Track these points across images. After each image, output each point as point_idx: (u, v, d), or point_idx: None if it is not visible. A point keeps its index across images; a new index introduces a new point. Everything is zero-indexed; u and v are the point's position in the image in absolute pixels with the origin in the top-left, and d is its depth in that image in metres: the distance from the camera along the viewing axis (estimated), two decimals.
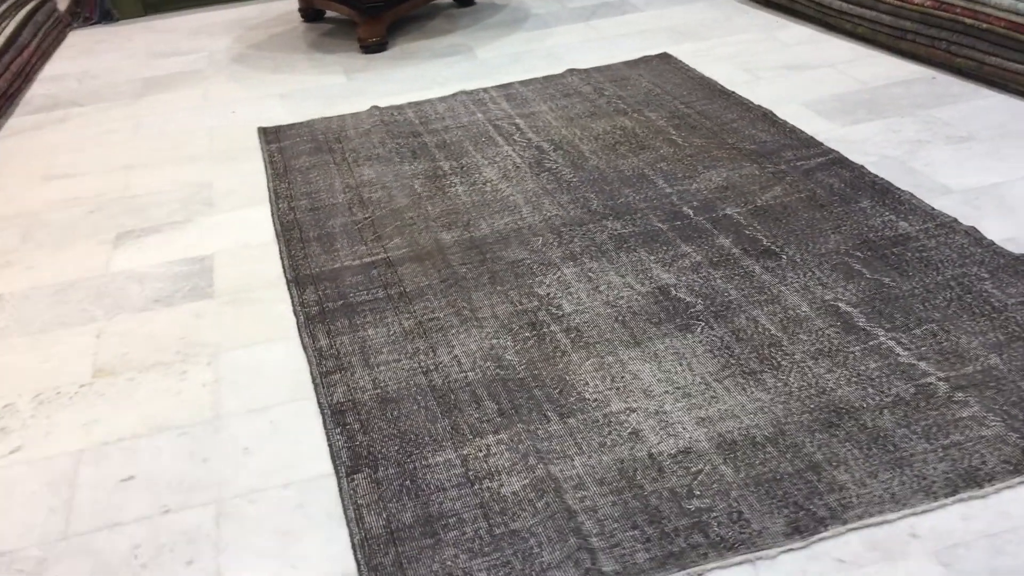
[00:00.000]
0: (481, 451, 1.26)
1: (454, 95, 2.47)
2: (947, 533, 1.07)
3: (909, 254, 1.57)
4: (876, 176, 1.82)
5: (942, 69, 2.29)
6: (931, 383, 1.28)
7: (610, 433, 1.26)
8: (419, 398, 1.37)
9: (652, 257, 1.64)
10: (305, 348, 1.52)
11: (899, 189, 1.77)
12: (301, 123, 2.40)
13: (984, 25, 2.12)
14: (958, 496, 1.11)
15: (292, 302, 1.64)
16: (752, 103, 2.21)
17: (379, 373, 1.43)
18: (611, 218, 1.79)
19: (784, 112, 2.16)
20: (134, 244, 1.89)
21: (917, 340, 1.36)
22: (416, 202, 1.93)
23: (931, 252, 1.57)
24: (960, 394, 1.25)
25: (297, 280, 1.70)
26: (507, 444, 1.26)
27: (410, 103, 2.45)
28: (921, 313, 1.42)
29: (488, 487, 1.20)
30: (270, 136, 2.35)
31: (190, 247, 1.86)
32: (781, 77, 2.36)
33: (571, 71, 2.55)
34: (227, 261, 1.80)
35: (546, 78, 2.52)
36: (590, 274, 1.62)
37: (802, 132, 2.04)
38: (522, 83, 2.51)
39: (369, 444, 1.29)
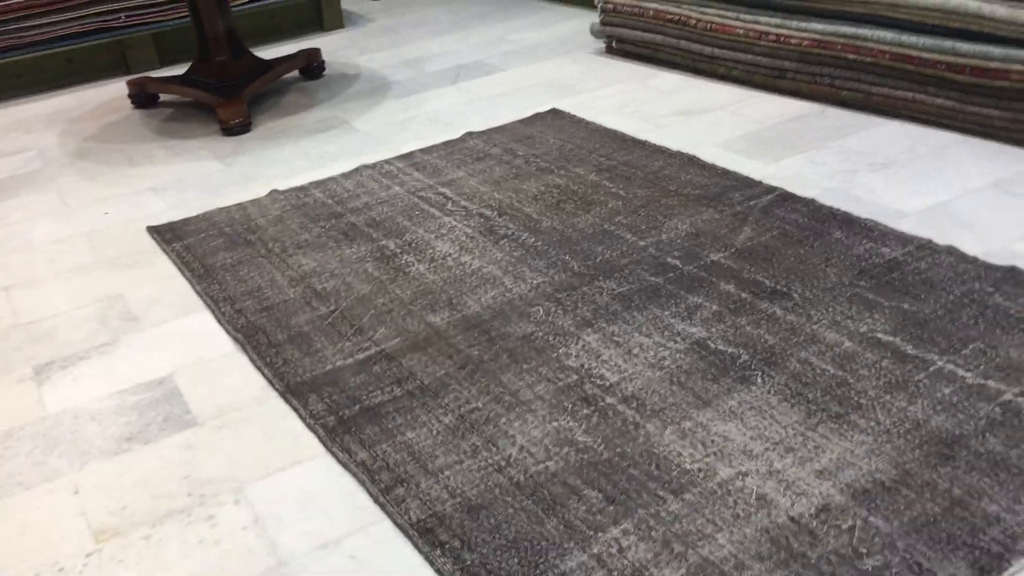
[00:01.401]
0: (612, 547, 1.15)
1: (356, 170, 2.33)
2: None
3: (909, 278, 1.62)
4: (831, 207, 1.88)
5: (827, 103, 2.42)
6: (1011, 400, 1.31)
7: (736, 503, 1.19)
8: (509, 500, 1.24)
9: (667, 312, 1.60)
10: (344, 465, 1.34)
11: (860, 217, 1.83)
12: (196, 217, 2.17)
13: (869, 59, 2.27)
14: None
15: (300, 415, 1.45)
16: (671, 149, 2.24)
17: (448, 479, 1.28)
18: (601, 278, 1.72)
19: (705, 155, 2.19)
20: (63, 377, 1.61)
21: (971, 360, 1.40)
22: (380, 287, 1.78)
23: (928, 273, 1.62)
24: None
25: (292, 390, 1.51)
26: (636, 534, 1.16)
27: (312, 183, 2.28)
28: (958, 333, 1.46)
29: None
30: (166, 235, 2.10)
31: (136, 371, 1.61)
32: (680, 123, 2.41)
33: (469, 134, 2.47)
34: (192, 380, 1.57)
35: (446, 144, 2.43)
36: (615, 338, 1.54)
37: (736, 173, 2.08)
38: (423, 151, 2.41)
39: (483, 562, 1.15)
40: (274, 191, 2.25)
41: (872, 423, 1.30)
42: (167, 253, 2.02)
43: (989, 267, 1.62)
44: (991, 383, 1.35)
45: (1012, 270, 1.60)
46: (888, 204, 1.88)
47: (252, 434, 1.42)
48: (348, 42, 3.52)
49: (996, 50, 2.03)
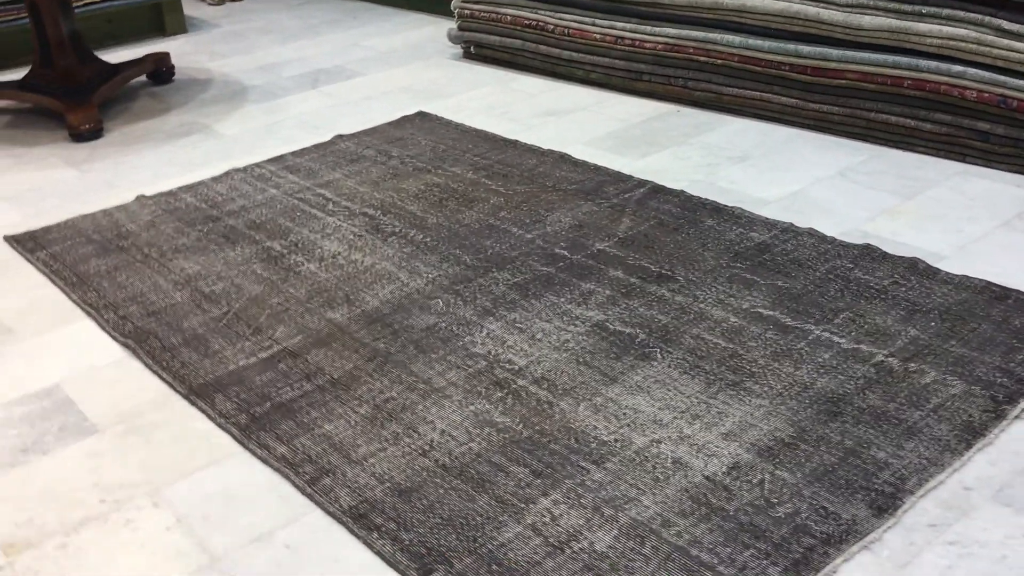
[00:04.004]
0: (545, 516, 1.20)
1: (227, 174, 2.28)
2: (989, 479, 1.22)
3: (779, 258, 1.75)
4: (700, 197, 2.01)
5: (682, 103, 2.56)
6: (883, 360, 1.45)
7: (655, 468, 1.27)
8: (438, 481, 1.27)
9: (563, 299, 1.66)
10: (265, 461, 1.32)
11: (727, 206, 1.96)
12: (59, 225, 2.07)
13: (719, 61, 2.42)
14: (973, 448, 1.27)
15: (209, 416, 1.42)
16: (542, 148, 2.32)
17: (373, 467, 1.30)
18: (495, 270, 1.77)
19: (576, 153, 2.28)
20: None
21: (843, 328, 1.53)
22: (272, 287, 1.77)
23: (795, 253, 1.76)
24: (912, 365, 1.43)
25: (196, 392, 1.48)
26: (566, 503, 1.21)
27: (181, 187, 2.22)
28: (829, 304, 1.60)
29: (581, 548, 1.15)
30: (27, 244, 2.00)
31: (20, 382, 1.53)
32: (548, 123, 2.49)
33: (339, 137, 2.47)
34: (83, 389, 1.51)
35: (317, 147, 2.42)
36: (518, 325, 1.60)
37: (607, 168, 2.18)
38: (294, 154, 2.39)
39: (421, 540, 1.17)
40: (141, 196, 2.18)
41: (766, 388, 1.40)
42: (31, 263, 1.93)
43: (846, 246, 1.78)
44: (863, 347, 1.48)
45: (867, 247, 1.76)
46: (750, 193, 2.02)
47: (161, 437, 1.38)
48: (195, 47, 3.43)
49: (834, 52, 2.21)
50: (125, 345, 1.61)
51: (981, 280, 1.63)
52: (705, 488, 1.22)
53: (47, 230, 2.06)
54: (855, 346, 1.48)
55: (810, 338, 1.51)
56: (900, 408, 1.35)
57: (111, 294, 1.77)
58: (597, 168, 2.19)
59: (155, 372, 1.54)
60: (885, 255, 1.73)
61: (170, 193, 2.20)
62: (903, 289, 1.62)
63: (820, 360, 1.46)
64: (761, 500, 1.20)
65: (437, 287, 1.73)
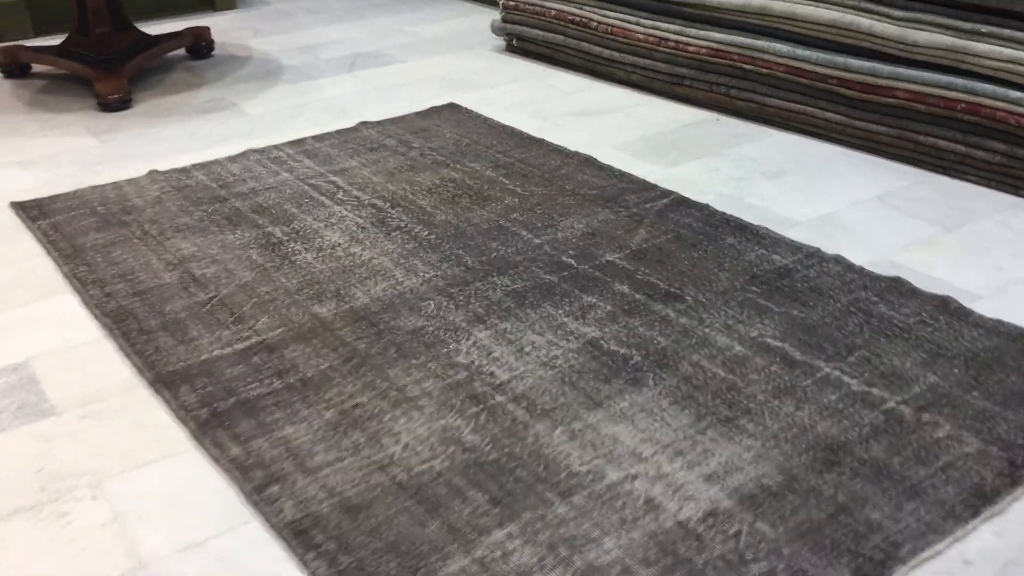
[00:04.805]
0: (496, 551, 1.11)
1: (243, 154, 2.23)
2: (993, 553, 1.10)
3: (798, 284, 1.63)
4: (725, 213, 1.89)
5: (722, 111, 2.44)
6: (893, 408, 1.32)
7: (624, 506, 1.17)
8: (390, 500, 1.18)
9: (560, 311, 1.57)
10: (216, 461, 1.25)
11: (752, 224, 1.84)
12: (66, 194, 2.03)
13: (764, 70, 2.30)
14: (981, 516, 1.15)
15: (170, 407, 1.36)
16: (568, 149, 2.22)
17: (326, 478, 1.22)
18: (495, 274, 1.68)
19: (603, 157, 2.18)
20: None
21: (856, 367, 1.41)
22: (264, 275, 1.70)
23: (816, 281, 1.64)
24: (926, 415, 1.31)
25: (162, 380, 1.41)
26: (521, 537, 1.12)
27: (195, 165, 2.17)
28: (844, 340, 1.47)
29: None
30: (32, 212, 1.96)
31: None
32: (579, 123, 2.39)
33: (364, 124, 2.40)
34: (53, 367, 1.46)
35: (339, 132, 2.35)
36: (507, 336, 1.50)
37: (632, 175, 2.07)
38: (315, 138, 2.32)
39: (359, 566, 1.09)
40: (153, 171, 2.13)
41: (760, 427, 1.29)
42: (32, 231, 1.89)
43: (874, 277, 1.65)
44: (875, 391, 1.36)
45: (895, 280, 1.63)
46: (779, 212, 1.90)
47: (116, 426, 1.32)
48: (240, 23, 3.40)
49: (885, 68, 2.08)
50: (103, 324, 1.56)
51: (1017, 327, 1.49)
52: (675, 535, 1.12)
53: (54, 199, 2.02)
54: (866, 389, 1.36)
55: (818, 376, 1.39)
56: (905, 463, 1.22)
57: (102, 270, 1.72)
58: (622, 174, 2.08)
59: (127, 355, 1.48)
60: (914, 290, 1.60)
61: (183, 170, 2.15)
62: (929, 329, 1.49)
63: (825, 401, 1.34)
64: (734, 555, 1.09)
65: (431, 288, 1.64)
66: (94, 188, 2.06)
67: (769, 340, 1.48)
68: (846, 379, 1.38)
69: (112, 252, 1.79)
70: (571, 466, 1.23)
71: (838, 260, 1.71)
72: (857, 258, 1.72)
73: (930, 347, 1.45)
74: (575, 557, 1.09)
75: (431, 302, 1.60)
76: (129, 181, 2.09)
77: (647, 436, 1.28)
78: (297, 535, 1.13)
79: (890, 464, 1.22)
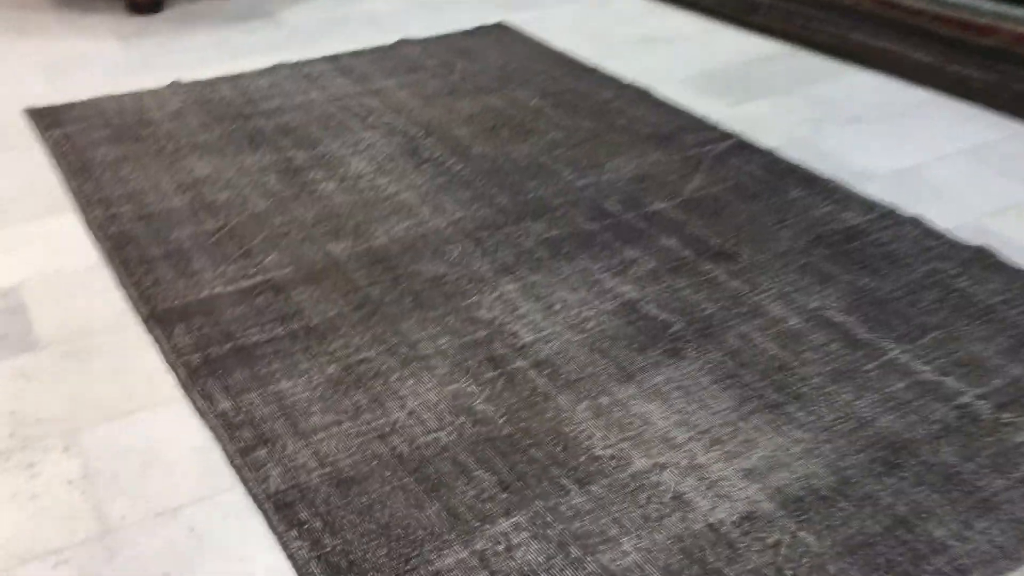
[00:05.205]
0: (500, 543, 0.98)
1: (274, 68, 2.08)
2: None
3: (869, 249, 1.45)
4: (792, 161, 1.70)
5: (799, 44, 2.22)
6: (970, 403, 1.16)
7: (649, 501, 1.03)
8: (387, 474, 1.06)
9: (598, 265, 1.41)
10: (202, 415, 1.14)
11: (822, 176, 1.65)
12: (83, 103, 1.91)
13: (848, 2, 2.06)
14: None
15: (160, 349, 1.24)
16: (623, 80, 2.03)
17: (320, 443, 1.09)
18: (529, 218, 1.53)
19: (661, 91, 1.99)
20: None
21: (929, 351, 1.24)
22: (280, 204, 1.56)
23: (890, 246, 1.46)
24: (1006, 415, 1.14)
25: (156, 317, 1.30)
26: (529, 530, 0.99)
27: (222, 78, 2.03)
28: (918, 319, 1.30)
29: None
30: (46, 120, 1.84)
31: None
32: (638, 51, 2.19)
33: (404, 41, 2.23)
34: (42, 295, 1.35)
35: (378, 49, 2.19)
36: (536, 291, 1.36)
37: (691, 113, 1.88)
38: (352, 55, 2.16)
39: (345, 550, 0.97)
40: (176, 82, 2.00)
41: (812, 417, 1.13)
42: (43, 141, 1.77)
43: (956, 244, 1.46)
44: (949, 381, 1.19)
45: (981, 250, 1.44)
46: (854, 163, 1.71)
47: (100, 367, 1.21)
48: None
49: (987, 4, 1.84)
50: (103, 249, 1.44)
51: None
52: (704, 540, 0.98)
53: (70, 107, 1.90)
54: (939, 378, 1.19)
55: (884, 359, 1.23)
56: (979, 471, 1.06)
57: (108, 188, 1.60)
58: (680, 111, 1.89)
59: (123, 286, 1.36)
60: (1003, 264, 1.41)
61: (208, 82, 2.01)
62: (1015, 312, 1.31)
63: (890, 390, 1.17)
64: (771, 569, 0.95)
65: (458, 230, 1.49)
66: (112, 97, 1.93)
67: (830, 313, 1.31)
68: (916, 365, 1.21)
69: (122, 169, 1.66)
70: (593, 448, 1.09)
71: (917, 222, 1.52)
72: (939, 221, 1.53)
73: (1017, 332, 1.27)
74: (587, 559, 0.96)
75: (456, 246, 1.46)
76: (150, 92, 1.96)
77: (682, 419, 1.13)
78: (280, 509, 1.01)
79: (961, 471, 1.06)
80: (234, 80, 2.01)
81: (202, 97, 1.94)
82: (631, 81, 2.02)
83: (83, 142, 1.76)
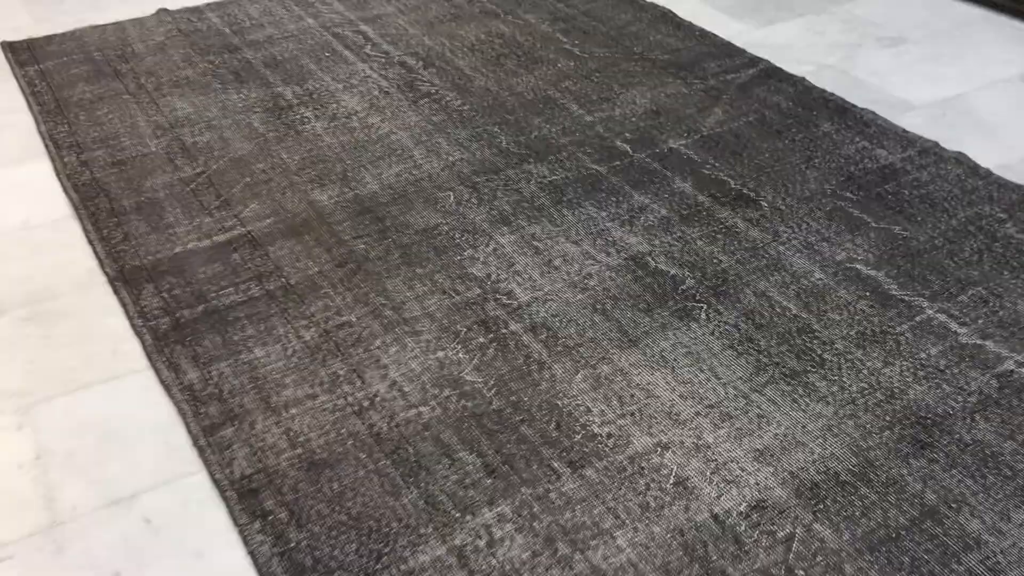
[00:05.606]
0: (481, 537, 0.89)
1: None
2: None
3: (906, 192, 1.31)
4: (824, 91, 1.55)
5: None
6: (1012, 371, 1.04)
7: (648, 487, 0.93)
8: (362, 456, 0.97)
9: (604, 214, 1.29)
10: (168, 387, 1.05)
11: (856, 107, 1.50)
12: (63, 34, 1.80)
13: None
14: None
15: (126, 312, 1.15)
16: (643, 0, 1.87)
17: (292, 420, 1.01)
18: (532, 160, 1.41)
19: (684, 11, 1.83)
20: None
21: (968, 310, 1.11)
22: (263, 147, 1.45)
23: (929, 188, 1.32)
24: None
25: (124, 276, 1.20)
26: (515, 522, 0.90)
27: (209, 4, 1.90)
28: (956, 272, 1.17)
29: None
30: (21, 54, 1.73)
31: None
32: None
33: None
34: (7, 252, 1.26)
35: None
36: (535, 243, 1.24)
37: (715, 36, 1.73)
38: None
39: (311, 545, 0.88)
40: (162, 10, 1.87)
41: (835, 388, 1.02)
42: (18, 78, 1.67)
43: (1004, 185, 1.32)
44: (990, 344, 1.07)
45: None
46: (893, 91, 1.55)
47: (61, 333, 1.13)
48: None
49: None
50: (72, 201, 1.34)
51: None
52: (707, 533, 0.88)
53: (49, 39, 1.78)
54: (978, 341, 1.07)
55: (918, 319, 1.10)
56: (1020, 452, 0.95)
57: (83, 131, 1.50)
58: (703, 34, 1.74)
59: (91, 242, 1.27)
60: None
61: (195, 10, 1.88)
62: None
63: (923, 356, 1.06)
64: (781, 568, 0.85)
65: (454, 175, 1.38)
66: (94, 28, 1.82)
67: (860, 266, 1.19)
68: (954, 326, 1.09)
69: (98, 110, 1.56)
70: (590, 425, 0.99)
71: (960, 159, 1.37)
72: (985, 158, 1.38)
73: None
74: (576, 556, 0.86)
75: (451, 193, 1.34)
76: (134, 21, 1.84)
77: (689, 390, 1.03)
78: (244, 497, 0.93)
79: (1000, 452, 0.95)
80: (223, 7, 1.89)
81: (189, 27, 1.82)
82: (651, 1, 1.86)
83: (60, 79, 1.65)
